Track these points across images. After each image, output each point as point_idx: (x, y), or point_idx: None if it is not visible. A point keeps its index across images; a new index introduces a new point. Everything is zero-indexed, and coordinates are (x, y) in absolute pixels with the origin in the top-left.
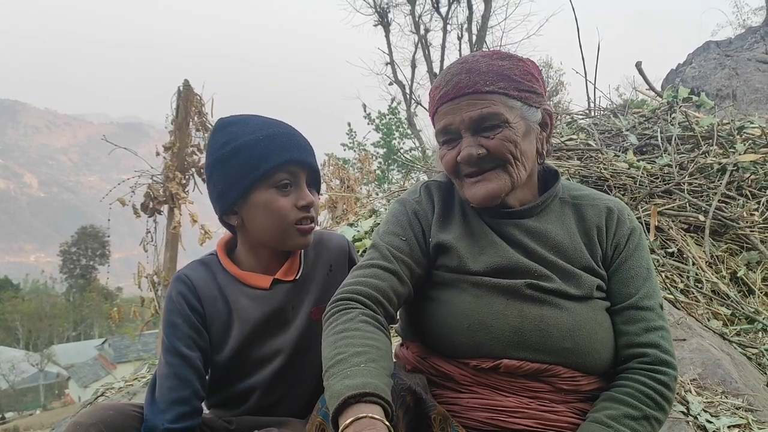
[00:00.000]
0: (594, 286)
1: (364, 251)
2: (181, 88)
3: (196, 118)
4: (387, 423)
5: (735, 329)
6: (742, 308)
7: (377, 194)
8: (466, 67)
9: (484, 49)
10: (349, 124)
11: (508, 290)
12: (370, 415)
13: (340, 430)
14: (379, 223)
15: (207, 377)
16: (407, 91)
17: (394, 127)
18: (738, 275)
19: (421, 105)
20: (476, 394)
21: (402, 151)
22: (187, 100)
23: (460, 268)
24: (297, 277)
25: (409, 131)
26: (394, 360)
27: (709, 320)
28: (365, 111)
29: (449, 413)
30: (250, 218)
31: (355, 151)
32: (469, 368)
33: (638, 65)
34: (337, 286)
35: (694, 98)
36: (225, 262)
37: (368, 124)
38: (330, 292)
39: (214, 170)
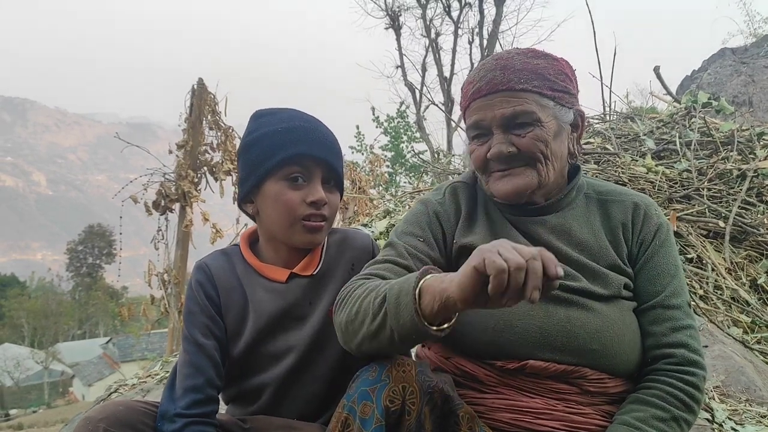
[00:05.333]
0: (621, 285)
1: None
2: (195, 86)
3: (209, 117)
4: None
5: (755, 337)
6: (761, 316)
7: (392, 195)
8: (501, 63)
9: (521, 47)
10: (357, 127)
11: None
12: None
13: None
14: (394, 225)
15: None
16: (417, 94)
17: (402, 131)
18: (758, 282)
19: (434, 104)
20: (501, 395)
21: (410, 155)
22: (200, 98)
23: None
24: (315, 273)
25: (417, 135)
26: (416, 360)
27: (729, 327)
28: (374, 114)
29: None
30: (262, 208)
31: (363, 153)
32: (494, 369)
33: (656, 69)
34: None
35: (714, 103)
36: (246, 253)
37: (377, 127)
38: None
39: (239, 158)
